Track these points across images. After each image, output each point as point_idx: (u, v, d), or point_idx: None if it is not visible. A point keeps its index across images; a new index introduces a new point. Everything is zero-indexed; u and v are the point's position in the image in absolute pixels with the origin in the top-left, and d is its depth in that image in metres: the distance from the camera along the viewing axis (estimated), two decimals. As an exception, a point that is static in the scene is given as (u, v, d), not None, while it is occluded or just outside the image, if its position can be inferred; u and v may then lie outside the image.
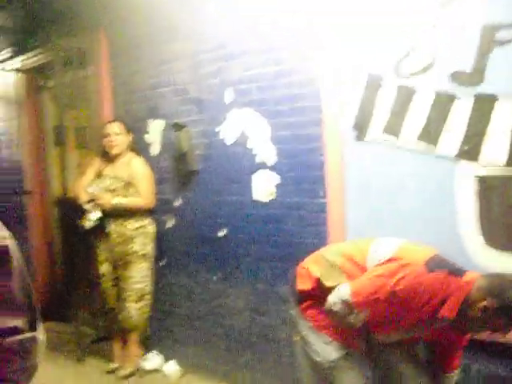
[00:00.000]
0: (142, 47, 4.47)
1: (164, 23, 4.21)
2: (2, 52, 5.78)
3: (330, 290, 2.34)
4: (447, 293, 2.13)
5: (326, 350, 2.43)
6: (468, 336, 2.40)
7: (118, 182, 4.34)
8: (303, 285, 2.50)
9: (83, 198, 4.34)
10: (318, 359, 2.44)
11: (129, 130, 4.47)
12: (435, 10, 2.83)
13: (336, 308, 2.28)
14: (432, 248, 2.35)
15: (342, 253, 2.46)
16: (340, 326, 2.38)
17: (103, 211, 4.26)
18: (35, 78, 5.71)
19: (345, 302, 2.25)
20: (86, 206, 4.25)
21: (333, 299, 2.30)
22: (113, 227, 4.31)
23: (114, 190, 4.33)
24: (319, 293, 2.40)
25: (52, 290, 5.93)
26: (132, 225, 4.35)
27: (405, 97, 2.98)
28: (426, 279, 2.16)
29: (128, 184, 4.33)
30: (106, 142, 4.41)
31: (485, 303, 2.06)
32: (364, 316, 2.26)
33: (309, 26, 3.35)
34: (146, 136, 4.55)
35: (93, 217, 4.22)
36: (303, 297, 2.50)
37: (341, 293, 2.28)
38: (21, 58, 5.63)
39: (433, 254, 2.28)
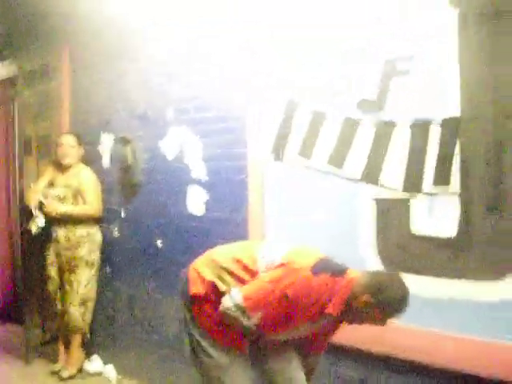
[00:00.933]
0: (99, 64, 4.72)
1: (117, 42, 4.45)
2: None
3: (223, 293, 2.49)
4: (332, 292, 2.35)
5: (217, 354, 2.58)
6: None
7: (67, 191, 4.56)
8: (196, 288, 2.61)
9: (32, 203, 4.54)
10: (210, 363, 2.60)
11: (81, 142, 4.69)
12: (345, 43, 3.05)
13: (230, 312, 2.41)
14: (319, 251, 2.56)
15: (233, 258, 2.59)
16: (231, 331, 2.54)
17: (51, 218, 4.46)
18: (5, 88, 5.92)
19: (237, 306, 2.38)
20: (34, 212, 4.46)
21: (227, 304, 2.42)
22: (61, 232, 4.53)
23: (64, 198, 4.55)
24: (213, 297, 2.55)
25: (13, 292, 6.11)
26: (80, 231, 4.55)
27: (317, 122, 3.19)
28: (313, 282, 2.35)
29: (77, 193, 4.55)
30: (59, 152, 4.62)
31: (365, 298, 2.31)
32: (257, 319, 2.39)
33: (240, 51, 3.59)
34: (99, 148, 4.75)
35: (39, 222, 4.43)
36: (195, 301, 2.62)
37: (233, 297, 2.41)
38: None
39: (319, 258, 2.47)
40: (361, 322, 2.47)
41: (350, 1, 3.06)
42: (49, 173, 4.77)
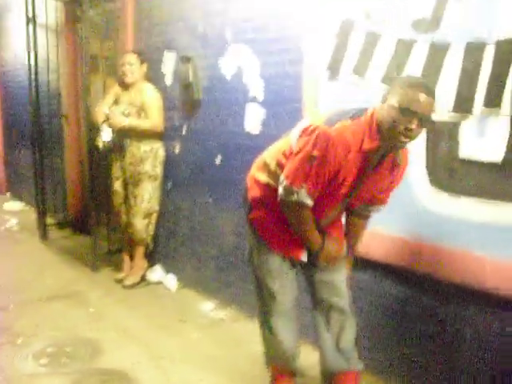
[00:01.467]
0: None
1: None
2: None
3: (277, 191, 2.58)
4: (359, 132, 2.37)
5: (269, 257, 2.77)
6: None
7: (131, 108, 4.73)
8: (254, 192, 2.80)
9: (99, 119, 4.75)
10: (263, 267, 2.83)
11: (143, 60, 4.81)
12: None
13: (282, 197, 2.51)
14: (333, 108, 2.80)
15: (278, 150, 2.69)
16: (287, 238, 2.72)
17: (117, 132, 4.66)
18: (73, 8, 6.06)
19: (283, 187, 2.48)
20: (101, 127, 4.67)
21: (278, 192, 2.53)
22: (126, 148, 4.73)
23: (128, 115, 4.73)
24: (271, 199, 2.63)
25: (83, 206, 6.44)
26: (144, 147, 4.75)
27: (372, 42, 3.19)
28: (332, 133, 2.35)
29: (140, 109, 4.71)
30: (121, 71, 4.77)
31: (393, 115, 2.26)
32: (305, 191, 2.44)
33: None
34: (162, 66, 4.88)
35: (105, 137, 4.64)
36: (255, 205, 2.79)
37: (280, 182, 2.52)
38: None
39: (333, 111, 2.59)
40: (400, 142, 2.35)
41: None
42: (114, 90, 4.94)
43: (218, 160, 4.36)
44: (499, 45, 2.67)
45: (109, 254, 5.46)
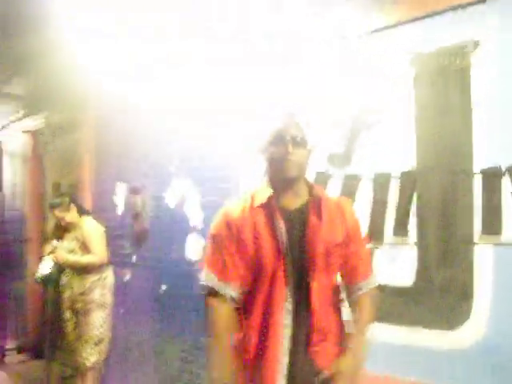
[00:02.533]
0: (116, 121, 5.08)
1: (131, 102, 4.82)
2: (12, 116, 6.49)
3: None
4: (248, 197, 2.26)
5: None
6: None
7: (75, 244, 4.86)
8: None
9: (46, 250, 4.89)
10: None
11: (68, 201, 4.95)
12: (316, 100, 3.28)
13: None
14: None
15: None
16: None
17: (62, 267, 4.80)
18: (39, 138, 6.38)
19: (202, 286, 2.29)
20: (44, 258, 4.81)
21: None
22: (74, 279, 4.84)
23: (73, 251, 4.86)
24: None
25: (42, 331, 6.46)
26: (92, 277, 4.85)
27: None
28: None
29: (83, 244, 4.85)
30: (57, 220, 4.94)
31: (269, 155, 2.19)
32: (214, 277, 2.21)
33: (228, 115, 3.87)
34: (115, 197, 5.09)
35: (42, 269, 4.77)
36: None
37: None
38: (27, 120, 6.34)
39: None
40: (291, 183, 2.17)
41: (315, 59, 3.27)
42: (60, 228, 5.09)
43: (163, 287, 4.47)
44: (402, 177, 2.88)
45: (63, 378, 5.43)
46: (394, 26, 2.88)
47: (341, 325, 2.24)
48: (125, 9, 4.24)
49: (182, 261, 4.30)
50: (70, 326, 4.96)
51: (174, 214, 4.39)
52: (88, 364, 4.87)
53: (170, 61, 4.35)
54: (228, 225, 2.19)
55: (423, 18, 2.75)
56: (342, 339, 2.21)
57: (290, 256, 2.12)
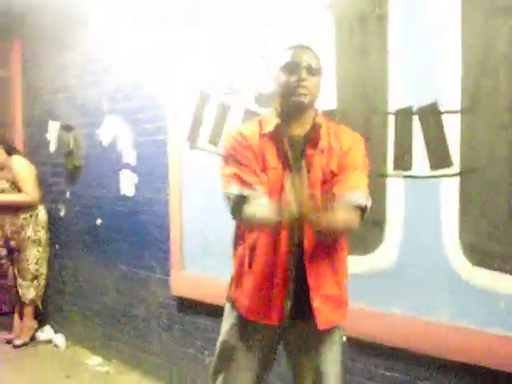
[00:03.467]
0: (45, 56, 5.09)
1: (61, 37, 4.82)
2: None
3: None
4: (256, 121, 2.30)
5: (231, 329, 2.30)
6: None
7: (5, 184, 4.93)
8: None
9: None
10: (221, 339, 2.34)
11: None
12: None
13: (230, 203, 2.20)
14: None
15: None
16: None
17: None
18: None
19: (227, 196, 2.19)
20: None
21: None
22: (6, 218, 4.92)
23: (2, 191, 4.93)
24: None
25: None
26: (23, 215, 4.96)
27: (223, 113, 3.58)
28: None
29: (13, 183, 4.92)
30: None
31: (281, 78, 2.15)
32: (236, 185, 2.15)
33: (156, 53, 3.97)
34: (47, 135, 5.15)
35: None
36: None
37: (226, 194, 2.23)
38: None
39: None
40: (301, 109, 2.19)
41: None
42: None
43: (98, 221, 4.62)
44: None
45: (0, 315, 5.57)
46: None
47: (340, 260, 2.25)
48: None
49: (115, 196, 4.45)
50: (6, 263, 5.07)
51: (107, 151, 4.50)
52: (25, 300, 5.03)
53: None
54: (242, 138, 2.19)
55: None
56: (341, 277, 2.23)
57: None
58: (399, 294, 2.79)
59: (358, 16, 2.93)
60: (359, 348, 2.85)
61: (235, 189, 2.15)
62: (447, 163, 2.60)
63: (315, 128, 2.20)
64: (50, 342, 5.16)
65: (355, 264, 2.80)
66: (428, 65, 2.66)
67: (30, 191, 4.94)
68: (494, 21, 2.44)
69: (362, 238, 2.87)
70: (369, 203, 2.18)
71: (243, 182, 2.14)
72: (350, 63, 2.98)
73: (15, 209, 4.92)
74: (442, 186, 2.62)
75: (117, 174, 4.40)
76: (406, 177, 2.78)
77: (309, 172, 2.13)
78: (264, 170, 2.17)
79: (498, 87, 2.44)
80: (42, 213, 5.07)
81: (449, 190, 2.59)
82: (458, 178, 2.57)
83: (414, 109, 2.73)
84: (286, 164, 2.15)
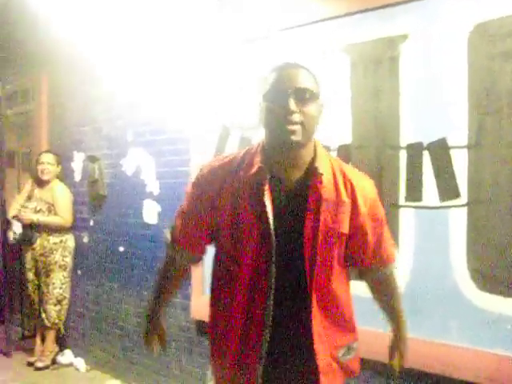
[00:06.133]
0: (73, 89, 5.35)
1: (89, 70, 5.09)
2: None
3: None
4: (236, 157, 1.91)
5: None
6: None
7: (43, 204, 5.19)
8: None
9: (11, 213, 5.20)
10: None
11: (59, 161, 5.33)
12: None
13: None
14: None
15: None
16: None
17: (26, 226, 5.09)
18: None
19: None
20: (12, 220, 5.11)
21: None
22: (37, 241, 5.14)
23: (39, 211, 5.18)
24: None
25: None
26: (53, 239, 5.19)
27: (244, 147, 3.79)
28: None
29: (51, 206, 5.18)
30: (40, 169, 5.24)
31: (267, 108, 1.72)
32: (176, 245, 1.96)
33: (182, 90, 4.22)
34: (72, 164, 5.39)
35: (15, 230, 5.07)
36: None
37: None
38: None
39: None
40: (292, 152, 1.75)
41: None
42: (28, 186, 5.40)
43: (120, 248, 4.82)
44: (339, 150, 3.29)
45: (23, 339, 5.75)
46: (332, 18, 3.28)
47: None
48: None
49: (138, 224, 4.66)
50: (31, 287, 5.28)
51: (131, 181, 4.72)
52: (48, 324, 5.22)
53: (130, 33, 4.66)
54: (211, 175, 1.83)
55: (359, 12, 3.16)
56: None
57: (278, 245, 1.72)
58: (410, 317, 2.95)
59: (373, 58, 3.15)
60: (372, 370, 3.02)
61: (169, 238, 1.97)
62: (455, 194, 2.80)
63: (314, 172, 1.73)
64: (70, 365, 5.31)
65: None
66: (437, 103, 2.88)
67: (65, 215, 5.19)
68: (497, 64, 2.67)
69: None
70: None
71: (177, 236, 1.94)
72: (365, 101, 3.19)
73: (48, 232, 5.13)
74: (450, 215, 2.82)
75: (140, 203, 4.61)
76: (417, 207, 2.97)
77: (302, 233, 1.71)
78: (233, 223, 1.78)
79: (501, 124, 2.65)
80: (71, 239, 5.30)
81: (457, 219, 2.79)
82: (465, 209, 2.77)
83: (425, 144, 2.93)
84: (266, 224, 1.71)
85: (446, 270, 2.81)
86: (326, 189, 1.72)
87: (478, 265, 2.73)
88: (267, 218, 1.69)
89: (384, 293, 2.07)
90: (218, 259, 1.93)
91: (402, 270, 3.00)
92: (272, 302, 1.73)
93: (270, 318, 1.73)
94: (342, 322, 1.88)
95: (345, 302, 1.88)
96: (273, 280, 1.72)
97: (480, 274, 2.72)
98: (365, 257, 1.88)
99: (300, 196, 1.72)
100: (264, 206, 1.69)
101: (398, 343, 2.12)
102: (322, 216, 1.71)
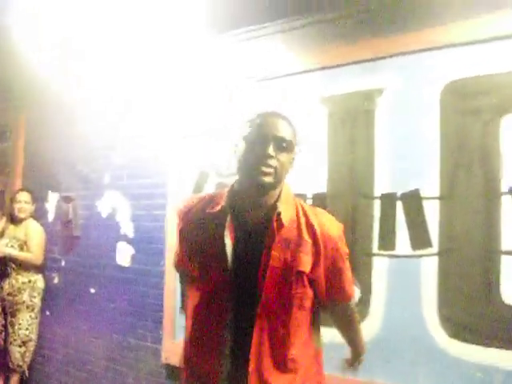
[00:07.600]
0: (49, 129, 5.38)
1: (67, 112, 5.13)
2: None
3: None
4: (208, 197, 2.03)
5: None
6: None
7: (14, 242, 5.15)
8: None
9: None
10: None
11: (34, 200, 5.31)
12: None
13: None
14: None
15: None
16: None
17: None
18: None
19: None
20: None
21: None
22: (5, 280, 5.09)
23: (11, 248, 5.13)
24: None
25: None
26: (22, 278, 5.13)
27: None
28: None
29: (23, 243, 5.14)
30: (17, 208, 5.23)
31: (244, 150, 1.82)
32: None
33: (160, 135, 4.29)
34: (46, 204, 5.38)
35: None
36: None
37: None
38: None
39: None
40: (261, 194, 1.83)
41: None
42: (1, 224, 5.36)
43: (92, 290, 4.80)
44: (314, 198, 3.35)
45: (-15, 381, 5.61)
46: (310, 71, 3.40)
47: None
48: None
49: (110, 266, 4.65)
50: (-2, 328, 5.19)
51: (105, 222, 4.73)
52: (11, 366, 5.12)
53: (106, 75, 4.74)
54: (185, 211, 1.97)
55: (337, 66, 3.29)
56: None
57: (236, 282, 1.80)
58: (381, 364, 3.00)
59: (349, 110, 3.26)
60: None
61: (174, 262, 2.15)
62: (427, 244, 2.89)
63: (276, 212, 1.80)
64: (34, 409, 5.20)
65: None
66: (411, 155, 2.99)
67: (37, 252, 5.15)
68: (467, 120, 2.80)
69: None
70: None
71: (175, 257, 2.13)
72: (341, 152, 3.29)
73: (18, 269, 5.09)
74: (422, 264, 2.91)
75: (113, 245, 4.61)
76: (389, 256, 3.04)
77: (259, 272, 1.77)
78: (200, 257, 1.89)
79: (471, 177, 2.77)
80: (40, 280, 5.24)
81: (428, 268, 2.88)
82: (436, 258, 2.86)
83: (398, 194, 3.02)
84: (224, 263, 1.81)
85: (418, 318, 2.88)
86: (286, 228, 1.79)
87: (448, 313, 2.80)
88: (226, 256, 1.79)
89: (344, 326, 2.17)
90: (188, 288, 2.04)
91: (374, 316, 3.06)
92: (229, 336, 1.81)
93: (228, 349, 1.81)
94: (291, 365, 1.86)
95: (300, 348, 1.89)
96: (230, 315, 1.81)
97: (451, 321, 2.78)
98: (324, 291, 1.92)
99: (259, 235, 1.80)
100: (224, 244, 1.79)
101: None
102: (280, 254, 1.77)
